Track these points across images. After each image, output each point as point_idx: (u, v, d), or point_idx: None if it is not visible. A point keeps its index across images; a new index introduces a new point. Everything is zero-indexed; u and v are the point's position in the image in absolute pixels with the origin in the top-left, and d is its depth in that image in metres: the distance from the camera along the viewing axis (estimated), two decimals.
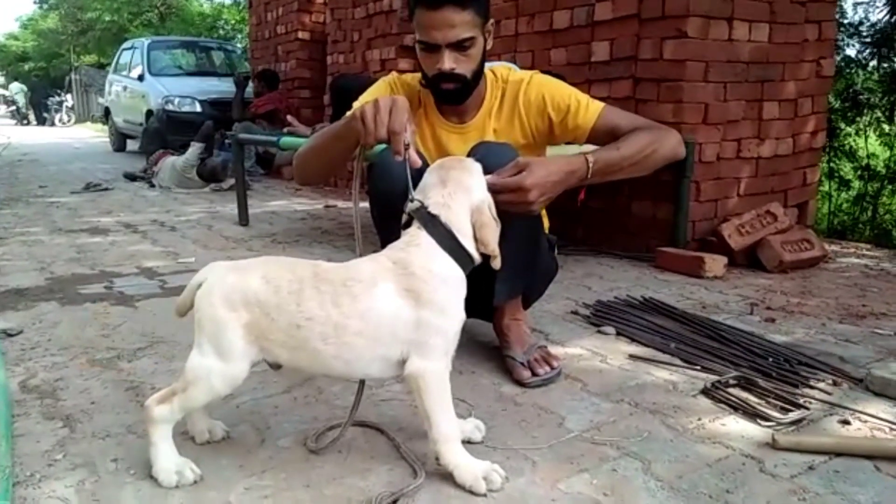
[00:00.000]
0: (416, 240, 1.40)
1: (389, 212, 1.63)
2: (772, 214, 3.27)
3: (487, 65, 1.99)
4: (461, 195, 1.42)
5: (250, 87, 7.79)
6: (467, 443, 1.54)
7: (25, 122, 25.12)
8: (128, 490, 1.38)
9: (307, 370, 1.43)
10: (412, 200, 1.43)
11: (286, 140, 4.14)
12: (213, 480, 1.41)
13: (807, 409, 1.68)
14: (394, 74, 2.07)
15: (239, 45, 14.04)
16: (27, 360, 2.09)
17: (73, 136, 17.11)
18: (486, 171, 1.79)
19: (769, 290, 2.88)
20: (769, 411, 1.67)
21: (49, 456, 1.52)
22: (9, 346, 2.21)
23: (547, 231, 2.16)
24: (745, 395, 1.78)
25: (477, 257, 1.43)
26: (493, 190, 1.51)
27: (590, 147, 1.82)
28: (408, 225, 1.45)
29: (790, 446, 1.50)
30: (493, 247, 1.43)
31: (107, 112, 11.92)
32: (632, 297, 2.67)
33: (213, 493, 1.37)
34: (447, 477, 1.38)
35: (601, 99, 1.98)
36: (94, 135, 16.57)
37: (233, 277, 1.36)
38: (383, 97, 1.49)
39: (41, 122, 24.07)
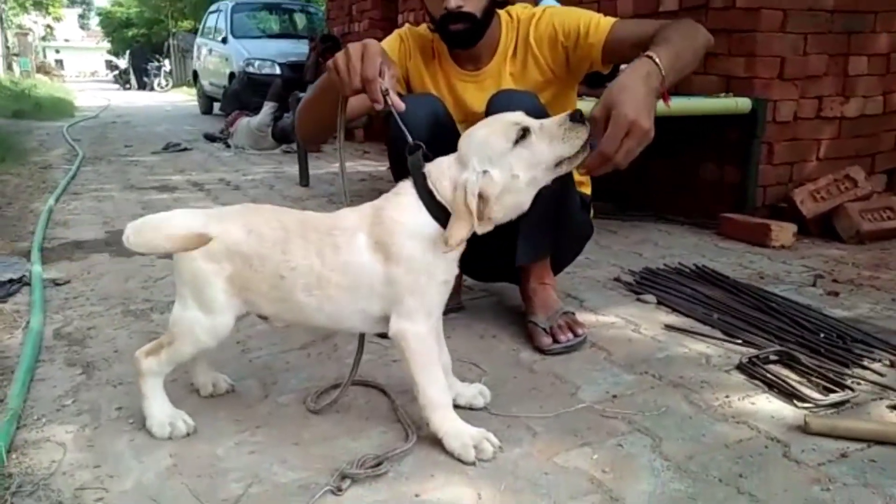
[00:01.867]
0: (400, 190, 1.32)
1: (401, 161, 1.55)
2: (851, 179, 2.98)
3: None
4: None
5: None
6: (468, 409, 1.47)
7: (127, 86, 26.38)
8: (123, 439, 1.39)
9: (292, 322, 1.39)
10: (410, 146, 1.35)
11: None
12: (206, 433, 1.40)
13: (852, 390, 1.51)
14: (406, 26, 1.97)
15: (322, 7, 14.13)
16: (67, 309, 2.16)
17: (167, 99, 17.82)
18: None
19: (840, 261, 2.64)
20: (808, 391, 1.52)
21: (60, 401, 1.55)
22: (54, 295, 2.29)
23: (587, 191, 2.04)
24: (785, 372, 1.63)
25: None
26: (609, 152, 1.29)
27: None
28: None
29: (823, 431, 1.34)
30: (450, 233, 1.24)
31: (195, 75, 12.29)
32: (683, 266, 2.50)
33: (202, 445, 1.36)
34: (439, 442, 1.32)
35: None
36: (186, 98, 17.18)
37: (213, 228, 1.32)
38: (353, 44, 1.39)
39: (141, 86, 25.19)
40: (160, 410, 1.39)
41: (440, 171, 1.29)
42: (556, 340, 1.78)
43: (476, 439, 1.30)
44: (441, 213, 1.27)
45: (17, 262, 2.60)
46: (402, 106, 1.39)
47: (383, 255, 1.27)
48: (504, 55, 1.85)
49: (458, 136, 1.86)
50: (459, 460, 1.28)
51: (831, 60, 3.18)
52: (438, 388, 1.32)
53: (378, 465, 1.25)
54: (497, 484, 1.22)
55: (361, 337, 1.51)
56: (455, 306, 2.08)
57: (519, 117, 1.29)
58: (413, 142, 1.37)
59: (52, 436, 1.40)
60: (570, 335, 1.79)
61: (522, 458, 1.30)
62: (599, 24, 1.73)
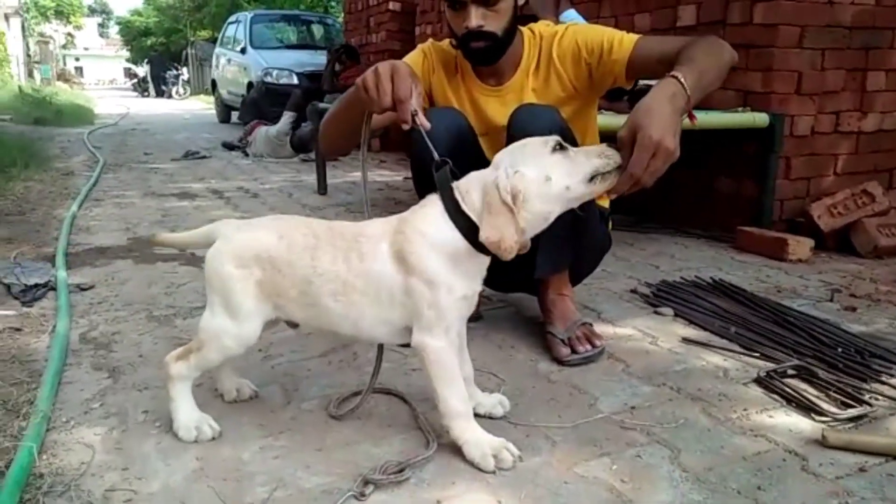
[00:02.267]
0: (426, 202, 1.35)
1: (426, 178, 1.58)
2: (868, 195, 2.99)
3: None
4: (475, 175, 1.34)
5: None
6: (488, 418, 1.49)
7: (146, 94, 26.68)
8: (150, 441, 1.42)
9: (320, 329, 1.41)
10: (436, 162, 1.38)
11: None
12: (231, 437, 1.43)
13: (870, 405, 1.52)
14: (430, 41, 2.00)
15: (339, 19, 14.26)
16: (92, 314, 2.20)
17: (185, 107, 18.01)
18: (528, 136, 1.72)
19: (857, 276, 2.64)
20: (826, 405, 1.53)
21: (87, 404, 1.58)
22: (79, 300, 2.33)
23: (605, 204, 2.06)
24: (803, 386, 1.64)
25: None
26: (637, 173, 1.32)
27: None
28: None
29: (841, 444, 1.36)
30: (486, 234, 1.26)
31: (214, 84, 12.43)
32: (700, 279, 2.51)
33: (228, 449, 1.39)
34: (459, 450, 1.34)
35: None
36: (204, 107, 17.35)
37: (243, 235, 1.35)
38: (382, 63, 1.43)
39: (159, 94, 25.47)
40: (187, 415, 1.42)
41: (468, 183, 1.32)
42: (574, 351, 1.79)
43: (496, 448, 1.31)
44: (467, 226, 1.28)
45: (42, 267, 2.65)
46: (428, 126, 1.43)
47: (404, 266, 1.29)
48: (526, 70, 1.87)
49: (479, 149, 1.90)
50: (479, 469, 1.30)
51: (849, 76, 3.19)
52: (458, 398, 1.34)
53: (400, 471, 1.28)
54: (517, 492, 1.24)
55: (380, 346, 1.53)
56: (473, 316, 2.10)
57: (557, 138, 1.32)
58: (440, 158, 1.39)
59: (81, 438, 1.43)
60: (589, 346, 1.81)
61: (542, 468, 1.32)
62: (623, 41, 1.75)
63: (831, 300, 2.32)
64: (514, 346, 1.93)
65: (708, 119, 3.01)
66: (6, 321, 2.10)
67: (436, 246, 1.29)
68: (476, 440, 1.33)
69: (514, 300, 2.30)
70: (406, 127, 1.43)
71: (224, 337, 1.36)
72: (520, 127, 1.75)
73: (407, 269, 1.29)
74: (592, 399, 1.60)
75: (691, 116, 1.45)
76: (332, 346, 1.90)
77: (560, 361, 1.79)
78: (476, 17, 1.73)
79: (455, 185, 1.33)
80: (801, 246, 2.82)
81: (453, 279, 1.30)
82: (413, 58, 1.96)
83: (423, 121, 1.43)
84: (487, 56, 1.82)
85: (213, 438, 1.41)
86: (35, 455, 1.33)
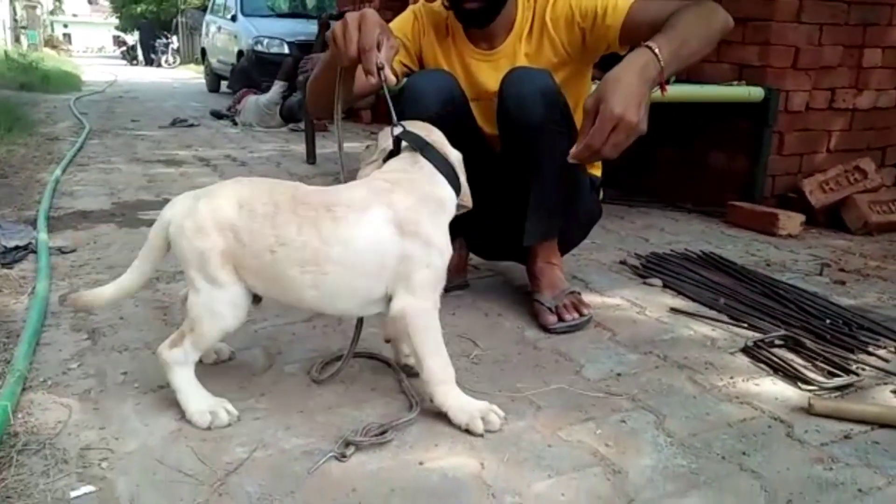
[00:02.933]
0: (420, 164, 1.32)
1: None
2: (861, 171, 2.97)
3: None
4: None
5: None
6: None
7: (135, 62, 26.31)
8: (128, 402, 1.39)
9: (283, 302, 1.35)
10: (396, 125, 1.35)
11: None
12: None
13: (857, 375, 1.52)
14: (421, 2, 1.94)
15: None
16: (73, 276, 2.16)
17: (174, 76, 17.77)
18: (521, 100, 1.69)
19: (847, 251, 2.63)
20: (813, 374, 1.52)
21: (65, 365, 1.55)
22: (60, 262, 2.30)
23: (597, 173, 2.03)
24: (789, 356, 1.63)
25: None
26: (596, 145, 1.33)
27: None
28: (392, 154, 1.37)
29: (827, 412, 1.35)
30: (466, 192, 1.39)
31: (203, 52, 12.25)
32: (690, 251, 2.49)
33: None
34: (442, 414, 1.32)
35: None
36: (193, 76, 17.12)
37: (203, 204, 1.28)
38: (352, 13, 1.37)
39: (149, 62, 25.12)
40: (196, 401, 1.33)
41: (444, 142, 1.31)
42: (561, 319, 1.78)
43: (483, 412, 1.30)
44: (456, 181, 1.30)
45: (23, 229, 2.60)
46: (393, 80, 1.39)
47: (402, 230, 1.26)
48: (519, 34, 1.82)
49: (470, 113, 1.86)
50: (468, 432, 1.28)
51: (846, 52, 3.16)
52: (443, 363, 1.32)
53: (382, 433, 1.26)
54: (500, 455, 1.22)
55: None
56: (460, 284, 2.08)
57: None
58: (396, 122, 1.37)
59: (58, 398, 1.41)
60: (576, 314, 1.79)
61: (526, 431, 1.30)
62: (617, 6, 1.69)
63: (820, 274, 2.31)
64: (500, 314, 1.91)
65: (702, 92, 2.98)
66: None
67: (444, 205, 1.29)
68: (461, 405, 1.31)
69: (501, 269, 2.28)
70: (372, 80, 1.36)
71: (216, 309, 1.29)
72: (512, 91, 1.71)
73: (404, 233, 1.26)
74: (578, 366, 1.58)
75: (662, 88, 1.41)
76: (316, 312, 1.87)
77: (546, 329, 1.77)
78: None
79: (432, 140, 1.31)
80: (791, 221, 2.81)
81: (446, 239, 1.30)
82: (403, 19, 1.91)
83: (388, 75, 1.36)
84: (480, 18, 1.77)
85: (230, 424, 1.31)
86: (10, 413, 1.30)
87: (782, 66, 3.05)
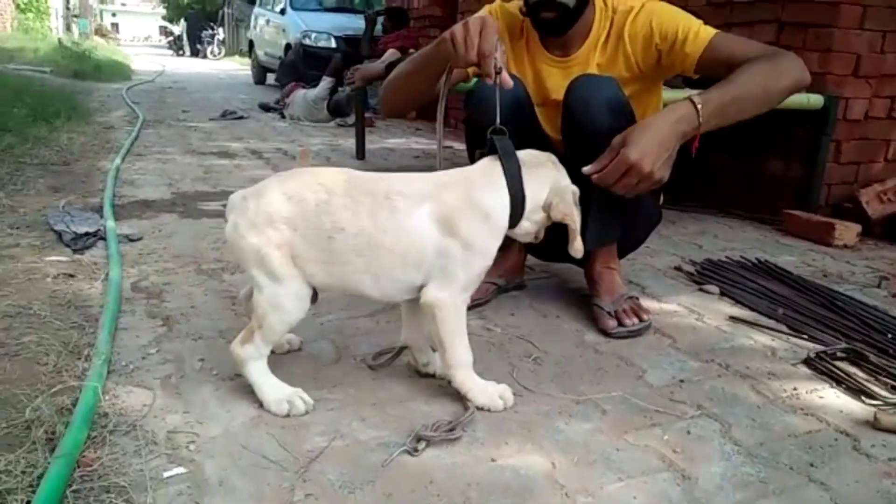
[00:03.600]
0: (491, 171, 1.36)
1: (481, 141, 1.57)
2: None
3: None
4: (548, 171, 1.42)
5: (380, 26, 7.84)
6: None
7: (181, 52, 26.76)
8: (207, 388, 1.45)
9: (339, 288, 1.39)
10: (497, 127, 1.39)
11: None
12: None
13: None
14: (498, 2, 1.97)
15: None
16: (142, 264, 2.24)
17: (220, 67, 18.05)
18: (586, 106, 1.71)
19: None
20: (877, 389, 1.52)
21: (144, 350, 1.62)
22: (129, 250, 2.38)
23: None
24: (852, 369, 1.63)
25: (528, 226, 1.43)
26: (608, 181, 1.46)
27: (693, 92, 1.65)
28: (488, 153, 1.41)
29: (893, 427, 1.35)
30: (574, 225, 1.41)
31: (251, 45, 12.43)
32: (745, 259, 2.49)
33: None
34: (511, 415, 1.36)
35: None
36: (239, 67, 17.38)
37: (252, 203, 1.33)
38: (472, 17, 1.42)
39: (194, 53, 25.52)
40: (274, 391, 1.38)
41: (535, 165, 1.37)
42: (621, 324, 1.80)
43: (500, 391, 1.40)
44: (521, 200, 1.35)
45: (90, 216, 2.70)
46: (511, 84, 1.44)
47: (447, 228, 1.30)
48: (595, 43, 1.83)
49: (536, 119, 1.89)
50: (488, 410, 1.37)
51: None
52: (465, 348, 1.38)
53: (451, 430, 1.30)
54: (570, 456, 1.25)
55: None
56: (518, 284, 2.11)
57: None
58: (498, 125, 1.41)
59: (141, 381, 1.47)
60: (636, 320, 1.81)
61: (593, 434, 1.33)
62: (699, 34, 1.70)
63: (879, 286, 2.29)
64: (559, 315, 1.93)
65: None
66: (60, 267, 2.15)
67: (489, 214, 1.33)
68: (479, 387, 1.40)
69: (558, 271, 2.31)
70: (490, 82, 1.43)
71: (281, 301, 1.33)
72: (578, 98, 1.73)
73: (451, 232, 1.30)
74: (640, 371, 1.61)
75: (693, 147, 1.45)
76: (380, 307, 1.92)
77: (607, 333, 1.79)
78: None
79: (520, 156, 1.34)
80: (848, 231, 2.78)
81: (489, 245, 1.35)
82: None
83: (505, 78, 1.43)
84: (556, 27, 1.79)
85: (307, 412, 1.36)
86: (100, 393, 1.37)
87: (843, 74, 3.02)
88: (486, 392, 1.39)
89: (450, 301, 1.34)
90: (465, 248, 1.31)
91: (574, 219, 1.40)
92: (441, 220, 1.31)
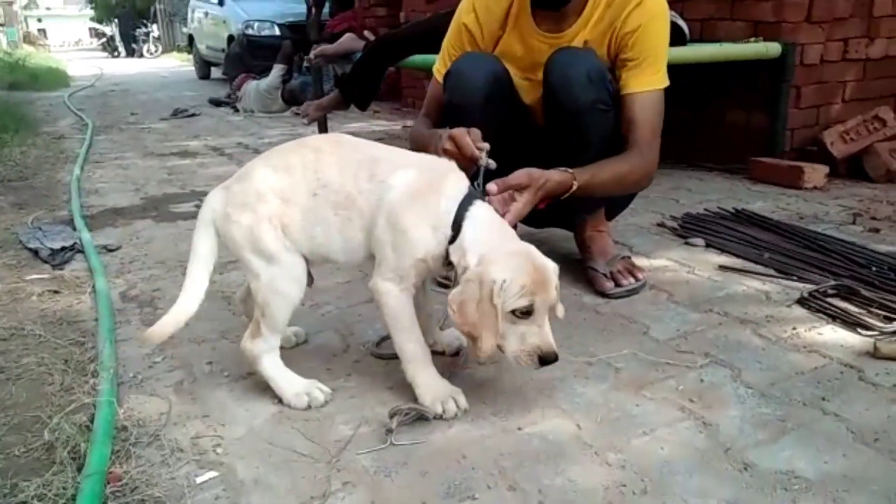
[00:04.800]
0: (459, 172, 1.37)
1: (460, 125, 1.57)
2: (880, 120, 3.02)
3: None
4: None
5: (327, 8, 7.69)
6: (442, 354, 1.52)
7: (116, 53, 25.94)
8: (222, 390, 1.45)
9: (318, 255, 1.37)
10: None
11: (415, 59, 3.54)
12: None
13: None
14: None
15: None
16: (126, 273, 2.20)
17: (160, 65, 17.56)
18: (569, 80, 1.72)
19: (874, 200, 2.69)
20: (871, 320, 1.58)
21: (150, 359, 1.60)
22: (109, 260, 2.33)
23: None
24: (844, 304, 1.69)
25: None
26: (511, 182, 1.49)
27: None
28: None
29: (893, 355, 1.41)
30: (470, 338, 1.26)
31: (190, 40, 12.10)
32: (723, 209, 2.55)
33: None
34: (527, 381, 1.39)
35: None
36: (179, 64, 16.94)
37: (237, 186, 1.34)
38: (444, 136, 1.53)
39: (130, 53, 24.75)
40: (290, 385, 1.38)
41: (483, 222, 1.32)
42: (618, 284, 1.83)
43: (445, 396, 1.31)
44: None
45: (63, 230, 2.64)
46: (494, 165, 1.48)
47: (391, 211, 1.29)
48: (586, 21, 1.80)
49: (515, 95, 1.89)
50: (423, 413, 1.28)
51: (857, 2, 3.18)
52: (413, 342, 1.34)
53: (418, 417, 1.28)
54: (592, 415, 1.29)
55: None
56: None
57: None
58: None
59: (153, 391, 1.46)
60: (632, 279, 1.84)
61: (611, 392, 1.36)
62: (642, 78, 1.76)
63: (853, 223, 2.37)
64: None
65: (722, 51, 3.01)
66: (42, 284, 2.10)
67: (441, 216, 1.30)
68: (427, 384, 1.34)
69: (546, 237, 2.33)
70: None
71: (278, 284, 1.33)
72: (559, 72, 1.74)
73: (390, 215, 1.29)
74: (644, 328, 1.64)
75: (542, 204, 1.59)
76: None
77: (605, 294, 1.83)
78: None
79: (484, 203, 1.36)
80: (816, 173, 2.86)
81: (422, 244, 1.30)
82: (461, 13, 1.92)
83: (488, 162, 1.47)
84: (556, 1, 1.77)
85: (327, 402, 1.36)
86: (115, 406, 1.35)
87: (796, 21, 3.08)
88: (436, 391, 1.32)
89: (385, 288, 1.32)
90: (402, 234, 1.29)
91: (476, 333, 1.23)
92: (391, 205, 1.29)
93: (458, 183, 1.33)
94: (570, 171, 1.62)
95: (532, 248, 1.29)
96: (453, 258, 1.27)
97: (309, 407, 1.35)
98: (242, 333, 1.42)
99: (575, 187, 1.62)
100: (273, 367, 1.39)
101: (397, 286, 1.32)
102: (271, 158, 1.37)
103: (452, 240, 1.28)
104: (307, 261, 1.38)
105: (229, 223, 1.34)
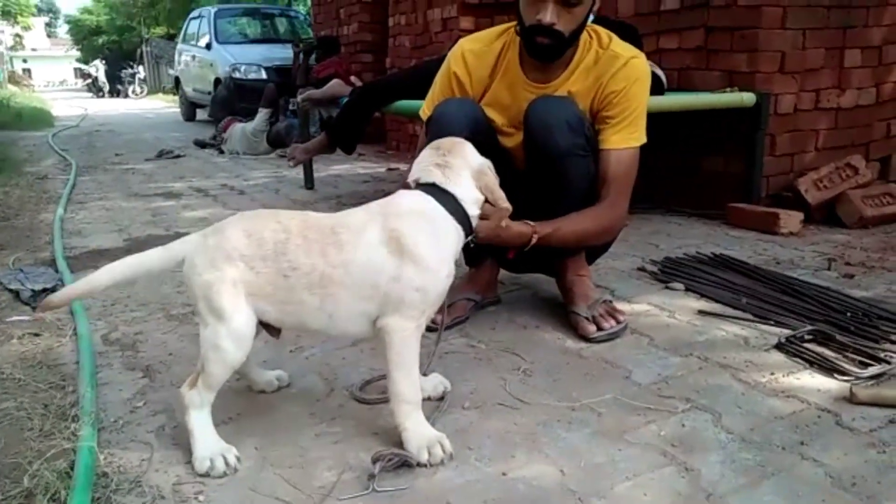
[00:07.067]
0: (414, 192, 1.40)
1: None
2: (852, 168, 3.11)
3: None
4: (462, 170, 1.44)
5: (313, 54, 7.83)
6: (427, 399, 1.50)
7: (101, 94, 26.06)
8: None
9: (294, 326, 1.40)
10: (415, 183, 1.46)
11: (401, 104, 3.50)
12: (285, 425, 1.46)
13: (888, 363, 1.61)
14: (460, 47, 1.95)
15: (302, 10, 14.12)
16: (108, 315, 2.19)
17: (145, 106, 17.66)
18: (549, 129, 1.77)
19: (848, 245, 2.76)
20: (847, 366, 1.61)
21: (130, 404, 1.59)
22: (91, 303, 2.32)
23: None
24: (820, 349, 1.72)
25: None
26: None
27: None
28: None
29: (869, 400, 1.44)
30: (500, 196, 1.48)
31: (177, 82, 12.22)
32: (702, 254, 2.60)
33: (284, 436, 1.42)
34: (512, 427, 1.39)
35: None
36: (165, 105, 17.05)
37: (211, 240, 1.34)
38: None
39: (115, 93, 24.90)
40: (204, 446, 1.33)
41: (452, 184, 1.42)
42: (600, 328, 1.85)
43: (432, 442, 1.31)
44: (460, 214, 1.40)
45: (45, 272, 2.63)
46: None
47: (396, 249, 1.31)
48: (572, 71, 1.85)
49: (494, 140, 1.93)
50: (406, 459, 1.28)
51: (828, 54, 3.31)
52: (411, 384, 1.34)
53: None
54: (576, 461, 1.29)
55: None
56: (493, 300, 2.15)
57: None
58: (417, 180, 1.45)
59: (134, 436, 1.45)
60: (613, 322, 1.87)
61: (594, 437, 1.37)
62: (614, 139, 1.82)
63: (829, 269, 2.42)
64: (538, 326, 1.98)
65: (698, 100, 3.10)
66: (23, 327, 2.09)
67: (434, 230, 1.36)
68: (416, 430, 1.33)
69: (529, 282, 2.36)
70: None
71: (219, 343, 1.31)
72: (538, 121, 1.79)
73: (401, 253, 1.31)
74: (626, 372, 1.66)
75: (510, 253, 1.77)
76: None
77: (587, 339, 1.85)
78: (551, 14, 1.71)
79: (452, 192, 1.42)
80: (791, 219, 2.93)
81: (442, 263, 1.36)
82: (445, 74, 1.98)
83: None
84: (549, 53, 1.80)
85: (225, 475, 1.30)
86: (95, 452, 1.34)
87: (770, 71, 3.19)
88: (423, 437, 1.31)
89: (403, 326, 1.32)
90: (420, 269, 1.31)
91: (493, 189, 1.46)
92: (390, 241, 1.32)
93: (414, 196, 1.40)
94: (532, 224, 1.69)
95: None
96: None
97: (208, 474, 1.30)
98: None
99: (534, 241, 1.68)
100: (196, 423, 1.35)
101: (414, 323, 1.34)
102: (248, 222, 1.36)
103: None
104: (277, 328, 1.40)
105: (194, 273, 1.33)
